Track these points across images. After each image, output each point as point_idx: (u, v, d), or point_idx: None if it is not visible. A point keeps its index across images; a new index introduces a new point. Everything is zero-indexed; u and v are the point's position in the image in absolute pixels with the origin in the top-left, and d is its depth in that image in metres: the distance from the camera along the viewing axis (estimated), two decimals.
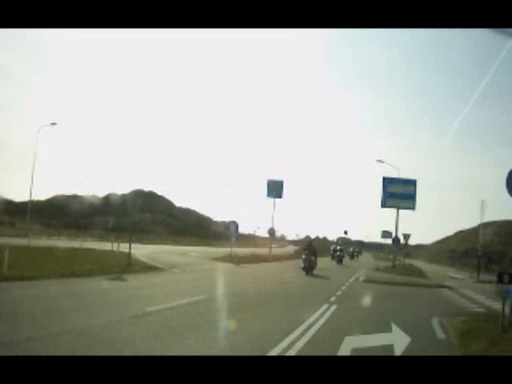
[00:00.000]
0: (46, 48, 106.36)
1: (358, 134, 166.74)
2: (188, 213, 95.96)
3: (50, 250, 17.98)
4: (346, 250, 52.93)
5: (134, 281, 12.74)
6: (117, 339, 5.82)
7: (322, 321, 8.47)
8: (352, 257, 52.94)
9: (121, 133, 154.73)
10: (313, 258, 21.94)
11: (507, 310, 8.31)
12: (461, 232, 77.50)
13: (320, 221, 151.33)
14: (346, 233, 75.78)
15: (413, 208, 32.18)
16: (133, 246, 17.43)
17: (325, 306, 10.33)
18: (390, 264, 34.18)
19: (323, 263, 28.89)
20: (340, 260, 37.00)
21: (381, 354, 6.11)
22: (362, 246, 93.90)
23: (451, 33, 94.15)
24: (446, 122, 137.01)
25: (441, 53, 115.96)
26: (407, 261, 39.32)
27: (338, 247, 40.29)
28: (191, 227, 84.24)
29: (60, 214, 68.29)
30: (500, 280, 8.32)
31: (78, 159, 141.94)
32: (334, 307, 10.40)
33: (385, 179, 32.60)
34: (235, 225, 28.01)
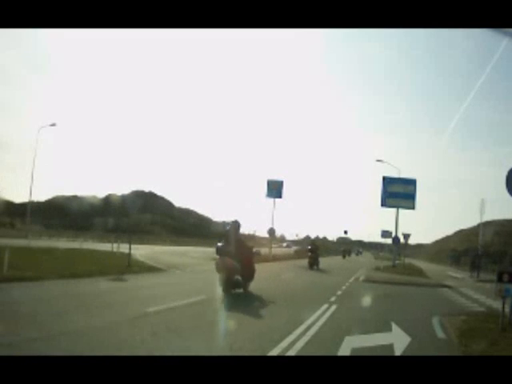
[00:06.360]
0: (45, 49, 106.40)
1: (358, 134, 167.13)
2: (188, 213, 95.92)
3: (50, 251, 18.01)
4: (354, 249, 78.30)
5: (134, 281, 12.73)
6: (117, 340, 5.82)
7: (322, 320, 8.47)
8: (349, 254, 65.98)
9: (120, 133, 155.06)
10: (315, 254, 26.55)
11: (507, 309, 8.32)
12: (461, 231, 77.47)
13: (320, 221, 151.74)
14: (345, 233, 76.08)
15: (413, 207, 32.23)
16: (133, 246, 17.41)
17: (325, 306, 10.33)
18: (390, 263, 34.22)
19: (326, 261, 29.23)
20: (344, 256, 51.06)
21: (381, 353, 6.11)
22: (362, 246, 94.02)
23: (450, 33, 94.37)
24: (446, 121, 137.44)
25: (440, 52, 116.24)
26: (407, 260, 39.35)
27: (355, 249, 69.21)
28: (191, 227, 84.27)
29: (60, 214, 68.33)
30: (500, 279, 8.32)
31: (78, 160, 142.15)
32: (333, 307, 10.40)
33: (385, 179, 32.63)
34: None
